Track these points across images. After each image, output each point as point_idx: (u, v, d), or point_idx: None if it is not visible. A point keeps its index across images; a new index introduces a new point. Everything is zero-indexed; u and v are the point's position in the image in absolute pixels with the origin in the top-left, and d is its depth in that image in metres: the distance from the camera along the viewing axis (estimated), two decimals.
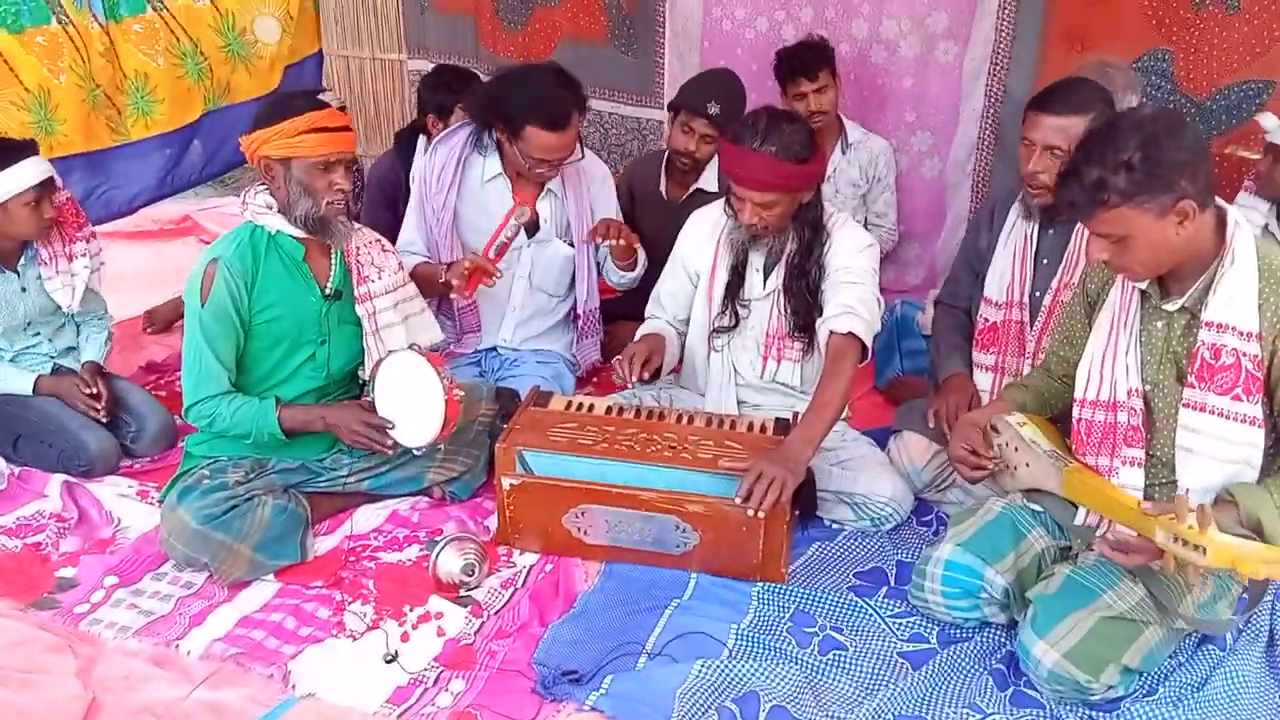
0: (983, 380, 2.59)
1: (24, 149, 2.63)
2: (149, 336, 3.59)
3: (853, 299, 2.40)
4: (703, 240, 2.62)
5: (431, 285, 2.74)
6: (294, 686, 2.00)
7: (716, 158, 3.14)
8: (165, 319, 3.65)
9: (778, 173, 2.33)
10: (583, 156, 2.84)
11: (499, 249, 2.83)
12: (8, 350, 2.78)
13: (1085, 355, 2.04)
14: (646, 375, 2.48)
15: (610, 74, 3.91)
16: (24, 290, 2.74)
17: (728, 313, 2.59)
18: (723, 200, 2.56)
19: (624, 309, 3.19)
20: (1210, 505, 1.76)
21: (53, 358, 2.84)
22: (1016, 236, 2.53)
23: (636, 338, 2.61)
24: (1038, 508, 2.16)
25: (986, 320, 2.59)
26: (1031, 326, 2.51)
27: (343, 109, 2.74)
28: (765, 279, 2.55)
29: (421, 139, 3.39)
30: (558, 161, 2.73)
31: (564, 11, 4.00)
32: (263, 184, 2.33)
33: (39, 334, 2.82)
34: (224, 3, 3.95)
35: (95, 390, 2.73)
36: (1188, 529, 1.66)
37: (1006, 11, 3.36)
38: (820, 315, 2.47)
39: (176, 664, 2.05)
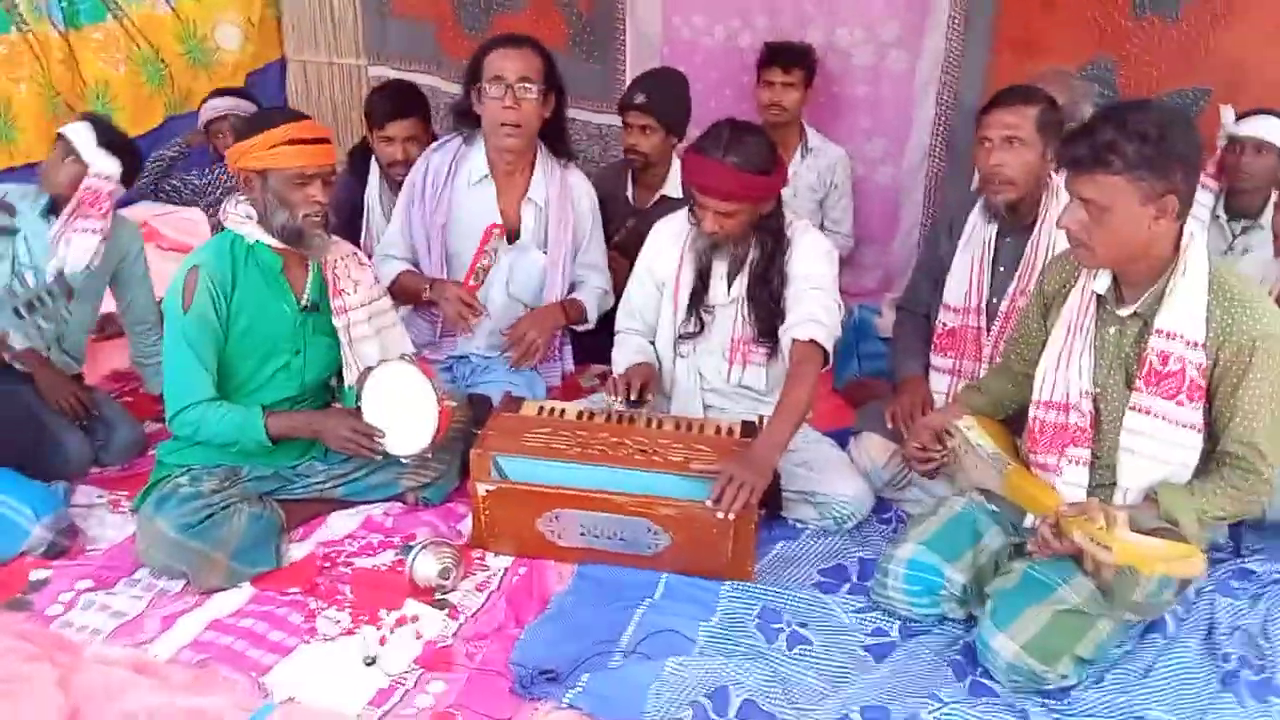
0: (940, 383, 2.69)
1: None
2: (111, 343, 3.54)
3: (814, 306, 2.47)
4: (667, 248, 2.68)
5: (412, 297, 2.77)
6: (272, 692, 2.02)
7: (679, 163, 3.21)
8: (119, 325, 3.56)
9: (739, 183, 2.39)
10: (547, 97, 2.81)
11: (479, 274, 2.86)
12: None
13: (1043, 358, 2.14)
14: (634, 395, 2.54)
15: (571, 81, 3.92)
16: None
17: (692, 319, 2.65)
18: (687, 209, 2.63)
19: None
20: (1125, 505, 1.89)
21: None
22: (975, 244, 2.63)
23: (620, 362, 2.69)
24: (994, 507, 2.26)
25: (945, 325, 2.69)
26: (988, 332, 2.61)
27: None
28: (729, 285, 2.62)
29: (374, 158, 3.36)
30: (513, 82, 2.69)
31: (525, 17, 4.04)
32: (244, 194, 2.35)
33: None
34: (185, 10, 3.96)
35: (84, 398, 2.71)
36: (1098, 529, 1.80)
37: (956, 21, 3.47)
38: (783, 321, 2.54)
39: (157, 670, 2.06)
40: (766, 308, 2.56)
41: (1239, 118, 2.99)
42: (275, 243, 2.35)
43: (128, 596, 2.28)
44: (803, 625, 2.26)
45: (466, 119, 2.87)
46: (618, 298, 2.89)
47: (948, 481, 2.47)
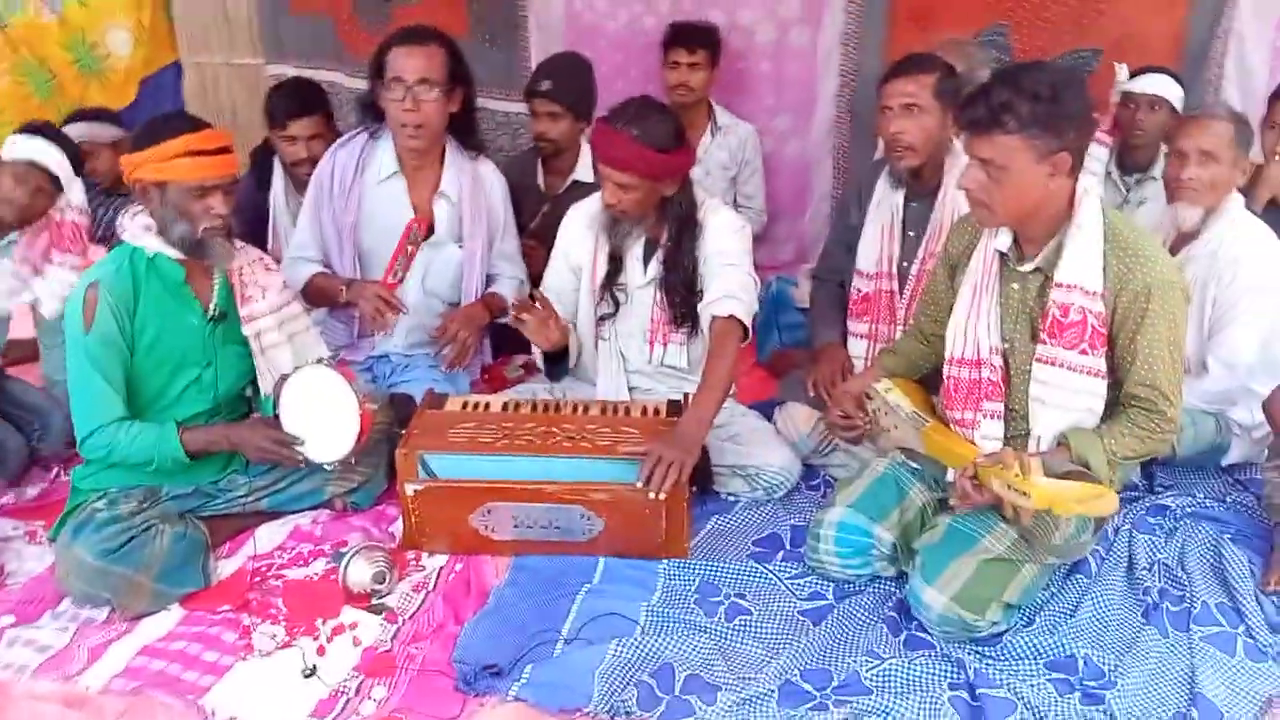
0: (858, 347, 2.75)
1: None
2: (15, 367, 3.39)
3: (730, 283, 2.50)
4: (581, 233, 2.68)
5: (328, 299, 2.73)
6: (213, 713, 1.98)
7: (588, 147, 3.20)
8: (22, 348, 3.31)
9: (636, 154, 2.40)
10: (449, 93, 2.77)
11: (398, 271, 2.84)
12: None
13: (952, 318, 2.20)
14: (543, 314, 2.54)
15: (476, 69, 3.88)
16: None
17: (606, 299, 2.66)
18: (599, 194, 2.63)
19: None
20: (1039, 452, 1.96)
21: None
22: (884, 211, 2.69)
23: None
24: (916, 465, 2.32)
25: (859, 291, 2.74)
26: (901, 295, 2.68)
27: None
28: (645, 268, 2.63)
29: (278, 159, 3.30)
30: (412, 83, 2.66)
31: (423, 9, 3.97)
32: (140, 205, 2.28)
33: None
34: (72, 18, 3.81)
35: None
36: (1014, 477, 1.86)
37: None
38: (700, 299, 2.56)
39: (89, 703, 2.00)
40: (680, 291, 2.58)
41: (1132, 75, 3.10)
42: (176, 253, 2.28)
43: (53, 629, 2.20)
44: (741, 596, 2.30)
45: (372, 112, 2.82)
46: (535, 285, 2.88)
47: (871, 444, 2.52)
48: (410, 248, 2.84)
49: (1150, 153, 3.14)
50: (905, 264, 2.67)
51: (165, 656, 2.12)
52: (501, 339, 3.24)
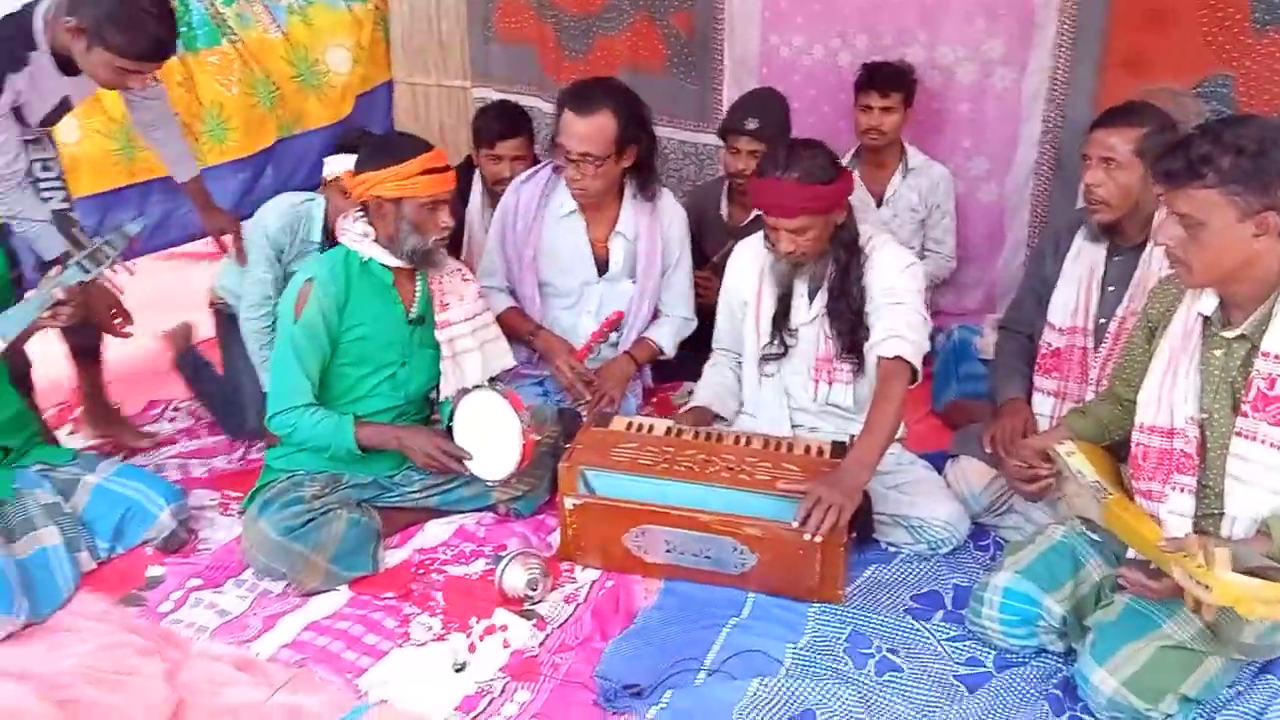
0: (1043, 405, 2.62)
1: None
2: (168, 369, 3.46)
3: (898, 322, 2.44)
4: (746, 271, 2.69)
5: (516, 336, 2.88)
6: (366, 693, 2.08)
7: None
8: (181, 340, 3.43)
9: (804, 195, 2.39)
10: (615, 161, 2.83)
11: (596, 350, 2.98)
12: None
13: (1146, 382, 2.06)
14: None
15: (669, 101, 3.99)
16: None
17: (775, 341, 2.65)
18: (761, 234, 2.62)
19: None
20: (1230, 540, 1.80)
21: None
22: (1083, 262, 2.56)
23: (696, 392, 2.76)
24: (1096, 536, 2.18)
25: (1049, 345, 2.61)
26: (1095, 353, 2.53)
27: None
28: (810, 303, 2.60)
29: (477, 176, 3.46)
30: (577, 157, 2.75)
31: (624, 40, 4.09)
32: (360, 213, 2.45)
33: None
34: (296, 35, 4.11)
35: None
36: (1196, 566, 1.71)
37: (1064, 38, 3.38)
38: (866, 336, 2.51)
39: (258, 668, 2.14)
40: (847, 322, 2.53)
41: None
42: (391, 260, 2.44)
43: (233, 596, 2.38)
44: (893, 651, 2.22)
45: (553, 152, 2.92)
46: (706, 316, 2.90)
47: (1048, 509, 2.38)
48: (612, 334, 3.00)
49: None
50: (1102, 321, 2.52)
51: (330, 634, 2.24)
52: (671, 365, 3.27)
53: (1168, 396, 2.00)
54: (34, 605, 2.23)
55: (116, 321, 2.60)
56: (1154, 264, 2.44)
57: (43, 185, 2.73)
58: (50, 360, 3.00)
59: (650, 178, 2.95)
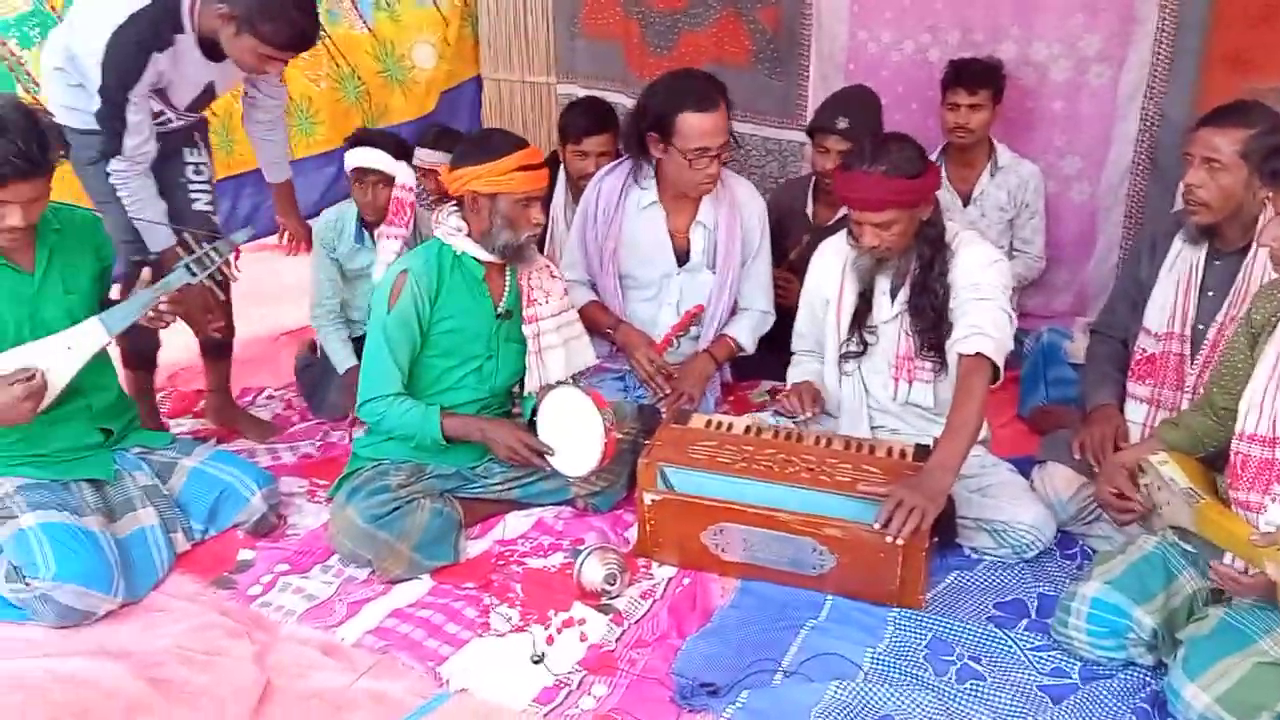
0: (1136, 413, 2.54)
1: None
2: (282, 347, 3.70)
3: (981, 318, 2.38)
4: (829, 268, 2.67)
5: (596, 329, 2.89)
6: (447, 681, 2.12)
7: None
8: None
9: (890, 189, 2.36)
10: (735, 144, 2.88)
11: (676, 342, 2.99)
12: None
13: (1249, 389, 1.99)
14: (817, 410, 2.58)
15: (753, 97, 3.96)
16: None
17: (855, 339, 2.62)
18: (845, 231, 2.59)
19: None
20: None
21: None
22: (1181, 266, 2.47)
23: (789, 380, 2.73)
24: (1189, 547, 2.11)
25: (1144, 351, 2.54)
26: (1193, 360, 2.45)
27: None
28: (892, 301, 2.56)
29: (561, 171, 3.49)
30: (717, 150, 2.77)
31: (710, 35, 4.08)
32: (454, 208, 2.49)
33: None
34: (382, 31, 4.19)
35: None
36: None
37: (1165, 34, 3.27)
38: (949, 334, 2.47)
39: (342, 653, 2.20)
40: (929, 319, 2.49)
41: None
42: (484, 254, 2.48)
43: (320, 581, 2.44)
44: (975, 659, 2.18)
45: (638, 149, 2.91)
46: (785, 317, 2.88)
47: (1142, 525, 2.32)
48: (692, 328, 3.00)
49: None
50: (1200, 326, 2.44)
51: (412, 621, 2.28)
52: (749, 363, 3.26)
53: (1271, 405, 1.93)
54: (131, 585, 2.32)
55: (211, 322, 2.71)
56: (1256, 269, 2.34)
57: (192, 189, 2.90)
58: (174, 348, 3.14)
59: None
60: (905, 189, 2.37)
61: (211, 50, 2.61)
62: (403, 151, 3.14)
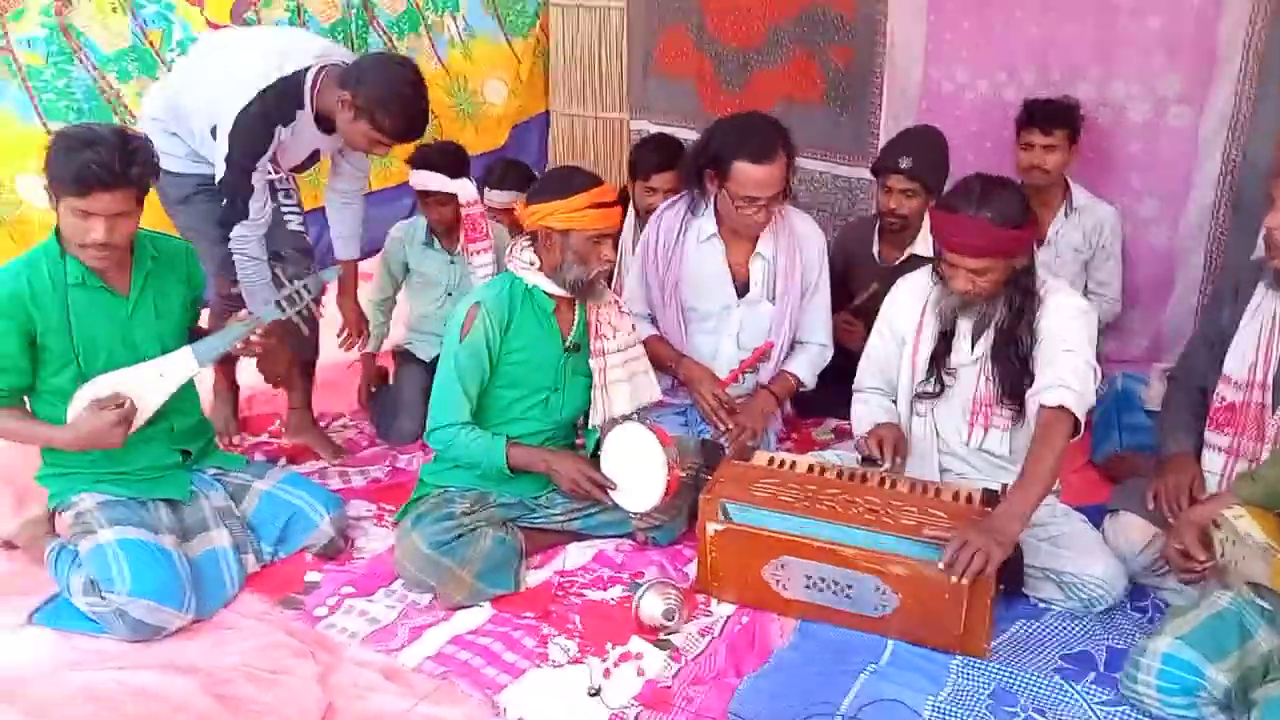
0: (1214, 463, 2.47)
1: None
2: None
3: (1064, 369, 2.34)
4: (908, 304, 2.64)
5: (659, 365, 2.89)
6: (505, 710, 2.13)
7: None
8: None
9: (992, 238, 2.33)
10: (788, 194, 2.88)
11: (743, 379, 2.99)
12: None
13: None
14: (899, 462, 2.54)
15: (824, 134, 3.97)
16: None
17: (932, 380, 2.58)
18: (930, 267, 2.57)
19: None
20: None
21: None
22: (1264, 313, 2.41)
23: (864, 418, 2.68)
24: (1266, 604, 2.04)
25: (1224, 399, 2.46)
26: (1274, 410, 2.38)
27: None
28: (974, 344, 2.53)
29: (631, 206, 3.52)
30: (766, 201, 2.78)
31: (782, 73, 4.10)
32: (527, 242, 2.55)
33: None
34: (455, 66, 4.30)
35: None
36: None
37: (1248, 75, 3.20)
38: (1030, 382, 2.42)
39: (403, 677, 2.22)
40: (1013, 367, 2.45)
41: None
42: (554, 289, 2.53)
43: (383, 605, 2.48)
44: (1040, 711, 2.13)
45: (698, 184, 2.93)
46: (846, 359, 2.86)
47: (1217, 576, 2.24)
48: (761, 364, 3.00)
49: None
50: None
51: (472, 649, 2.31)
52: (814, 400, 3.23)
53: None
54: (201, 602, 2.38)
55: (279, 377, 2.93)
56: None
57: (285, 209, 3.05)
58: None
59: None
60: (1008, 239, 2.35)
61: (323, 123, 2.78)
62: (460, 165, 3.26)
